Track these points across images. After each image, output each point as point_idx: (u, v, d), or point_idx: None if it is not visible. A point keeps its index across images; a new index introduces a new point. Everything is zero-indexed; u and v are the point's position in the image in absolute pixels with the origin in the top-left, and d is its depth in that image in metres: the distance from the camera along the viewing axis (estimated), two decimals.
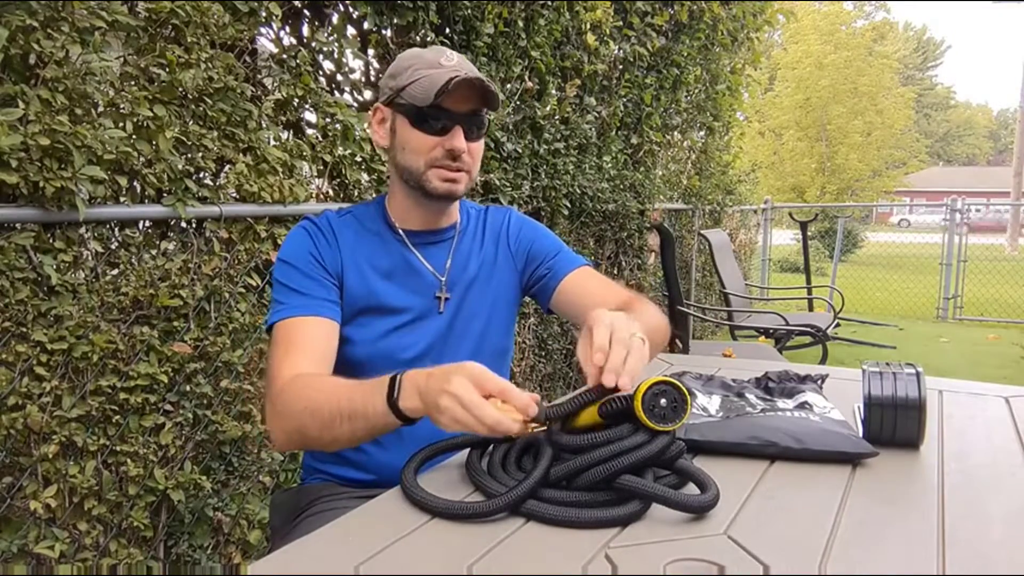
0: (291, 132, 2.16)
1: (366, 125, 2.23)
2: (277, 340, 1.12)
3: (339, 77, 2.34)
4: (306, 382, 1.03)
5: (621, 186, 3.89)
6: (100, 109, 1.64)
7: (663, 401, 0.84)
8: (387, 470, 1.13)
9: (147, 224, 1.81)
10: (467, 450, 0.96)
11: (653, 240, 4.42)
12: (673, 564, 0.70)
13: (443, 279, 1.23)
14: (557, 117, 3.24)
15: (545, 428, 0.87)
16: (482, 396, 0.82)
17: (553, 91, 3.19)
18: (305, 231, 1.21)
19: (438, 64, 1.13)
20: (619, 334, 0.86)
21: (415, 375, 0.90)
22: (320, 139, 2.17)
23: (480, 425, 0.81)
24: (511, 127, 2.93)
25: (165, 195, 1.76)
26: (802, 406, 1.15)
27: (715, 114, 5.44)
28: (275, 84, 2.06)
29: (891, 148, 18.35)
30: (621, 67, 3.88)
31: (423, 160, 1.15)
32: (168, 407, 1.79)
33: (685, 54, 4.43)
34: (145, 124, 1.66)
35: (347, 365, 1.15)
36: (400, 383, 0.90)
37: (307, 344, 1.09)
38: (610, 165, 3.73)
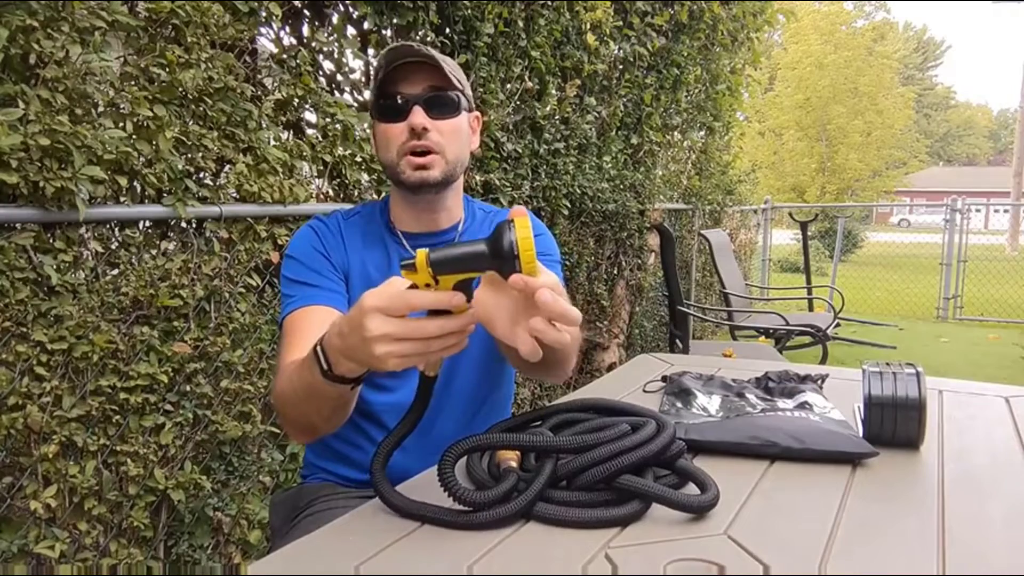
0: (291, 132, 2.16)
1: (366, 126, 2.24)
2: (283, 335, 1.13)
3: (339, 77, 2.34)
4: (281, 371, 1.03)
5: (621, 186, 3.89)
6: (100, 109, 1.64)
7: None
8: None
9: (147, 224, 1.81)
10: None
11: (653, 240, 4.42)
12: (673, 564, 0.70)
13: None
14: (557, 117, 3.24)
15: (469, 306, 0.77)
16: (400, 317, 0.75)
17: (553, 91, 3.19)
18: (313, 230, 1.22)
19: (393, 58, 1.13)
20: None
21: (331, 340, 0.84)
22: (320, 139, 2.17)
23: (428, 344, 0.75)
24: (511, 127, 2.93)
25: (165, 195, 1.76)
26: (802, 406, 1.15)
27: (715, 114, 5.44)
28: (275, 84, 2.06)
29: (891, 148, 18.36)
30: (621, 67, 3.88)
31: (394, 150, 1.15)
32: (168, 407, 1.79)
33: (685, 54, 4.43)
34: (145, 124, 1.66)
35: None
36: (325, 353, 0.85)
37: (304, 332, 1.08)
38: (610, 165, 3.73)
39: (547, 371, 1.13)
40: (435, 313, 0.76)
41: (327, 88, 2.28)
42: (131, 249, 1.74)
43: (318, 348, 0.86)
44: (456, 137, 1.17)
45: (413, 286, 0.75)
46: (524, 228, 0.72)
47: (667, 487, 0.81)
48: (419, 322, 0.75)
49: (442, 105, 1.15)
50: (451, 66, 1.16)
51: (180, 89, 1.74)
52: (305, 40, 2.23)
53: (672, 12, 4.19)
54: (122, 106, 1.66)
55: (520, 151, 2.96)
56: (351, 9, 2.34)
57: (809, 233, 7.35)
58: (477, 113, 1.26)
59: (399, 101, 1.14)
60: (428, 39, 2.43)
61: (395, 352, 0.75)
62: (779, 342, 4.26)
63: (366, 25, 2.34)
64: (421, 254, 0.73)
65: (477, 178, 2.72)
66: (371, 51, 2.42)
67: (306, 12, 2.27)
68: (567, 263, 3.49)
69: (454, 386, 1.21)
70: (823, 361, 4.14)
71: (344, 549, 0.76)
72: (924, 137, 37.77)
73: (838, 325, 5.12)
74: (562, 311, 0.72)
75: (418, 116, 1.12)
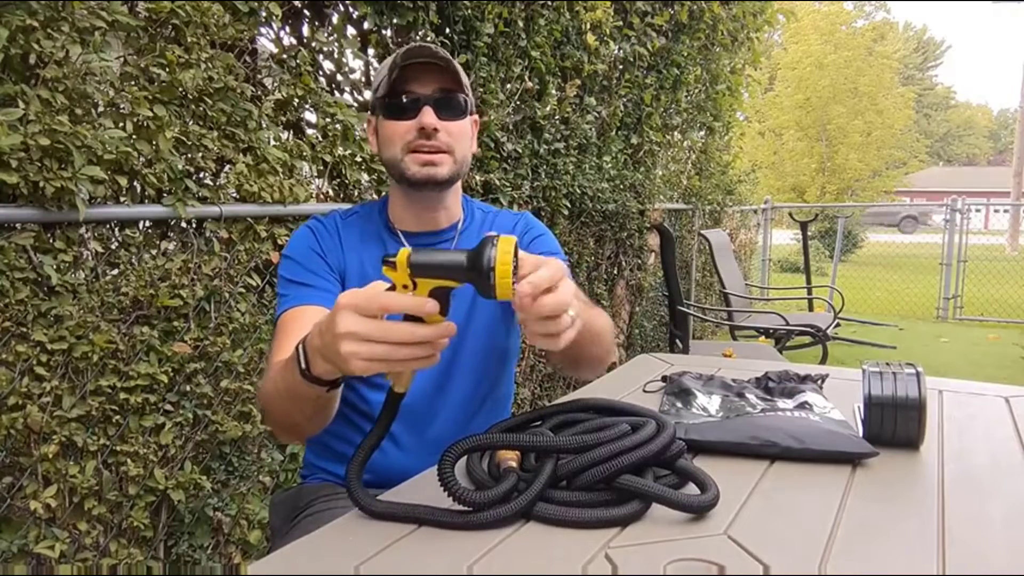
0: (291, 132, 2.16)
1: (365, 125, 2.24)
2: (275, 334, 1.14)
3: (339, 77, 2.34)
4: (268, 370, 1.04)
5: (621, 186, 3.89)
6: (100, 109, 1.64)
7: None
8: (387, 472, 1.13)
9: (147, 224, 1.81)
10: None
11: (653, 240, 4.42)
12: (673, 564, 0.70)
13: None
14: (557, 117, 3.24)
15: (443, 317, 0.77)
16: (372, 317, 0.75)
17: (553, 91, 3.19)
18: (310, 230, 1.22)
19: (409, 56, 1.13)
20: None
21: (311, 339, 0.83)
22: (320, 139, 2.17)
23: (395, 349, 0.74)
24: (511, 127, 2.93)
25: (165, 195, 1.76)
26: (802, 406, 1.15)
27: (715, 114, 5.44)
28: (275, 84, 2.06)
29: (891, 148, 18.32)
30: (621, 67, 3.88)
31: (399, 146, 1.15)
32: (168, 407, 1.79)
33: (685, 54, 4.43)
34: (145, 124, 1.66)
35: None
36: (306, 352, 0.85)
37: (295, 332, 1.07)
38: (610, 165, 3.73)
39: (578, 364, 1.17)
40: (410, 320, 0.76)
41: (327, 88, 2.28)
42: (131, 249, 1.74)
43: (299, 347, 0.86)
44: (463, 139, 1.19)
45: (392, 287, 0.75)
46: (507, 243, 0.73)
47: (667, 487, 0.81)
48: (388, 324, 0.75)
49: (451, 107, 1.16)
50: (459, 70, 1.17)
51: (180, 89, 1.74)
52: (305, 40, 2.23)
53: (672, 12, 4.19)
54: (122, 106, 1.66)
55: (520, 151, 2.96)
56: (351, 9, 2.34)
57: (809, 233, 7.35)
58: (475, 116, 1.27)
59: (410, 100, 1.14)
60: (428, 39, 2.43)
61: (360, 353, 0.74)
62: (779, 342, 4.26)
63: (366, 25, 2.34)
64: (403, 252, 0.74)
65: (477, 178, 2.72)
66: (371, 51, 2.42)
67: (306, 12, 2.27)
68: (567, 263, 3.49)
69: (453, 386, 1.21)
70: (823, 361, 4.14)
71: (344, 549, 0.76)
72: (924, 137, 37.70)
73: (838, 325, 5.13)
74: (550, 309, 0.74)
75: (429, 116, 1.13)
